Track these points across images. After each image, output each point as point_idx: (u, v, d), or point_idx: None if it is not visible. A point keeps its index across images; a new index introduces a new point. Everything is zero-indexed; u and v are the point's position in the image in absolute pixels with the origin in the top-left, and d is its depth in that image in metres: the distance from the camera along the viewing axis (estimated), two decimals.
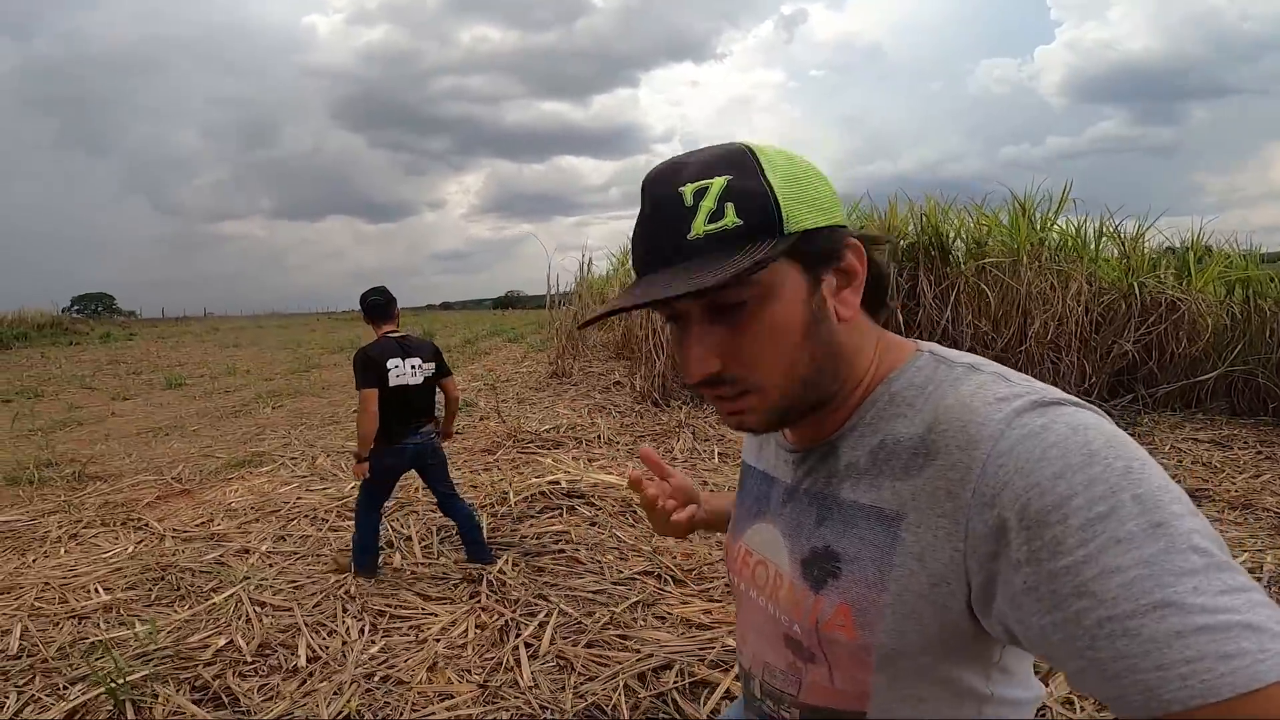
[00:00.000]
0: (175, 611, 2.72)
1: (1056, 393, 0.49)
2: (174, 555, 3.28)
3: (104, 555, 3.33)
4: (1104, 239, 6.98)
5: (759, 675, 0.66)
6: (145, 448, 5.92)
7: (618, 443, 5.41)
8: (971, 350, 6.40)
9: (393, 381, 2.93)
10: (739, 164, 0.53)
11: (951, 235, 6.72)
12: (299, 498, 4.23)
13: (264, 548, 3.38)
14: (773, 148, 0.55)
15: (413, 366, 2.99)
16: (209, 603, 2.77)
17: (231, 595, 2.82)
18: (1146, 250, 6.95)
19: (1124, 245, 6.89)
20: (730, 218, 0.51)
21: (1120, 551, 0.40)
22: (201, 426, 6.79)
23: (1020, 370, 0.56)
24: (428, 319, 30.61)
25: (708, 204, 0.51)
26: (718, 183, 0.52)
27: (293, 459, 5.33)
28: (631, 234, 0.57)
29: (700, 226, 0.51)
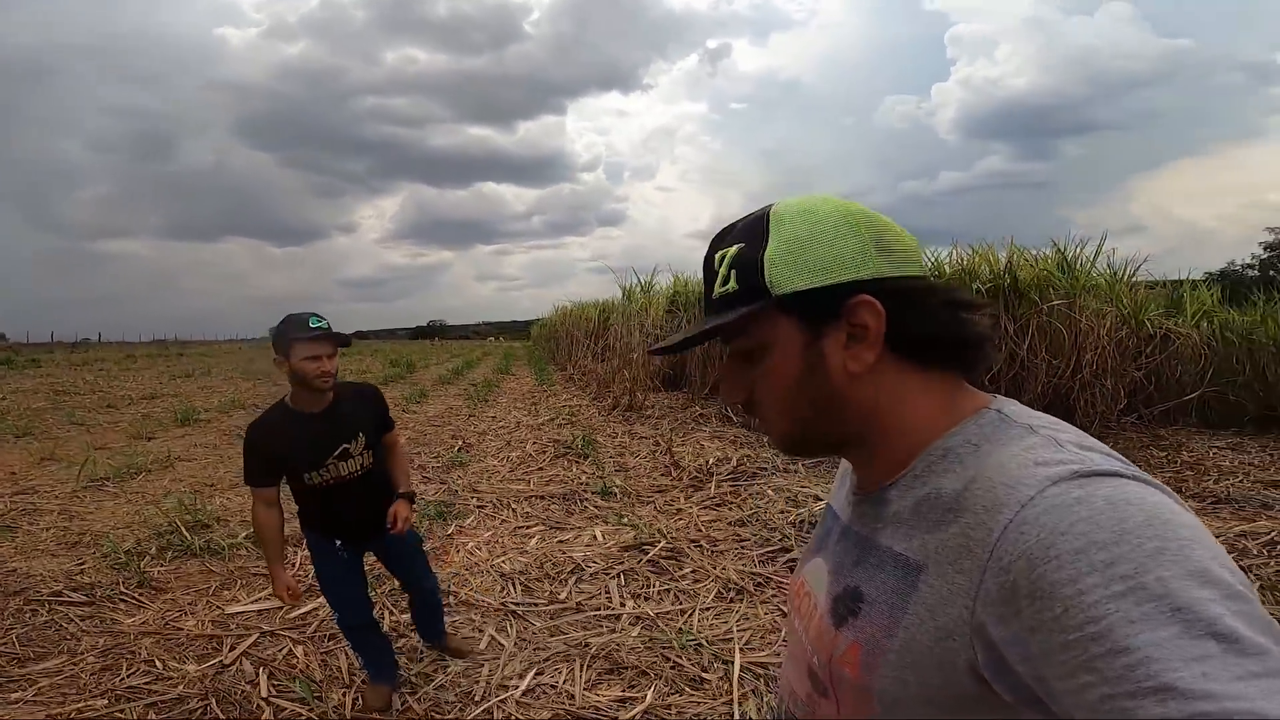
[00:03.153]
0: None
1: (1110, 463, 0.45)
2: (556, 647, 2.64)
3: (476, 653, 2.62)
4: (1120, 282, 7.70)
5: (786, 701, 0.65)
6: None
7: (796, 470, 5.14)
8: (1045, 387, 7.00)
9: None
10: (754, 232, 0.58)
11: (1027, 280, 7.11)
12: (566, 552, 3.61)
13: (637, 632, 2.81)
14: (801, 207, 0.58)
15: None
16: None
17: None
18: (1141, 288, 7.84)
19: (1122, 283, 7.66)
20: (731, 284, 0.58)
21: (1132, 632, 0.37)
22: None
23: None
24: (353, 348, 28.39)
25: (722, 270, 0.58)
26: (731, 251, 0.58)
27: (479, 507, 4.58)
28: None
29: (717, 289, 0.59)
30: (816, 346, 0.56)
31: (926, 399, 0.57)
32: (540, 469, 5.71)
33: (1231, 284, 9.06)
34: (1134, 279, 7.70)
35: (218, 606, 2.97)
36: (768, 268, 0.56)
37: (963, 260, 7.38)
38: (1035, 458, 0.47)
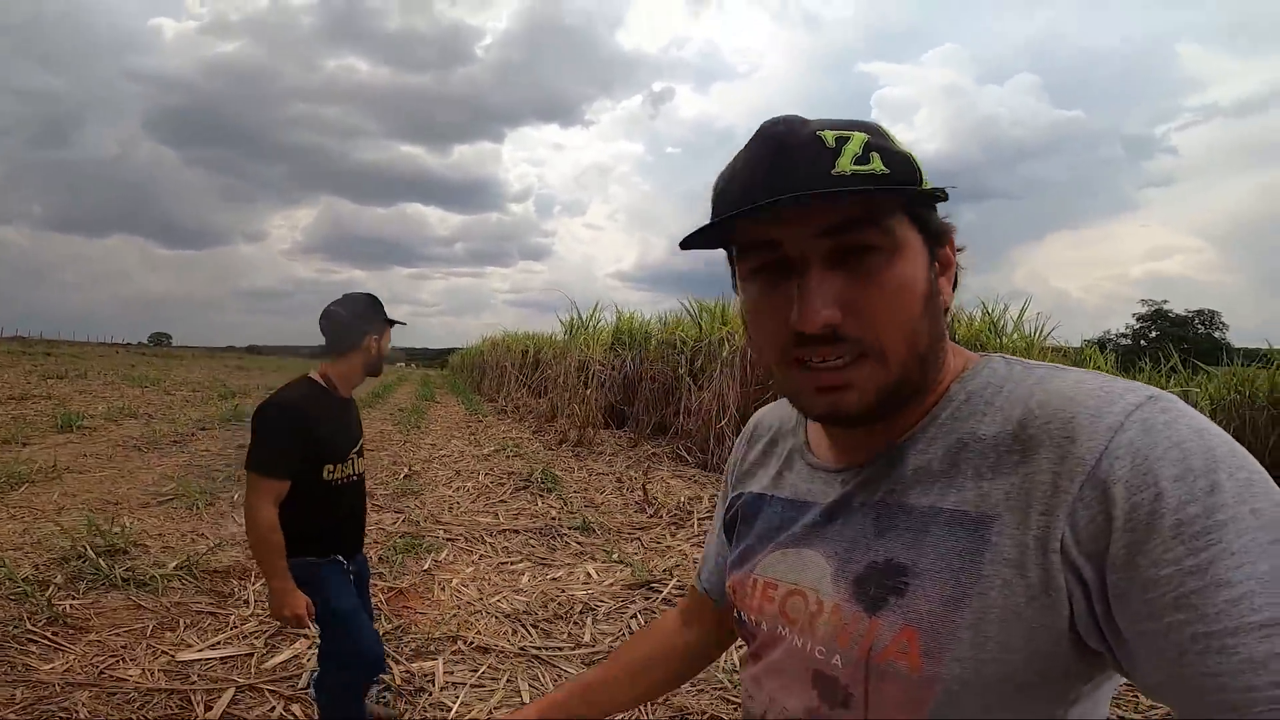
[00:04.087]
0: None
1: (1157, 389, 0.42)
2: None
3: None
4: (1035, 345, 8.34)
5: None
6: (199, 522, 4.12)
7: None
8: None
9: None
10: (872, 129, 0.47)
11: (964, 338, 7.51)
12: (565, 590, 3.24)
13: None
14: None
15: None
16: None
17: None
18: (1049, 351, 8.48)
19: (1036, 346, 8.29)
20: (877, 165, 0.44)
21: (1233, 565, 0.34)
22: (226, 487, 4.92)
23: None
24: (236, 360, 26.08)
25: (853, 148, 0.44)
26: (859, 135, 0.45)
27: (449, 540, 4.09)
28: (725, 180, 0.49)
29: (847, 164, 0.44)
30: (934, 268, 0.49)
31: (947, 343, 0.52)
32: (503, 501, 5.25)
33: (1111, 352, 9.98)
34: (1045, 343, 8.37)
35: (163, 652, 2.37)
36: (919, 165, 0.47)
37: None
38: (1100, 385, 0.42)
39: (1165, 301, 34.93)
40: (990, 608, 0.41)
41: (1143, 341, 29.93)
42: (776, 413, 0.66)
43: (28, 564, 3.08)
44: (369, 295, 1.82)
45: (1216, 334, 31.31)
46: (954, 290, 0.52)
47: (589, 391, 8.22)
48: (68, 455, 5.78)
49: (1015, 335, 7.91)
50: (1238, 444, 0.38)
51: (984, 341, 7.61)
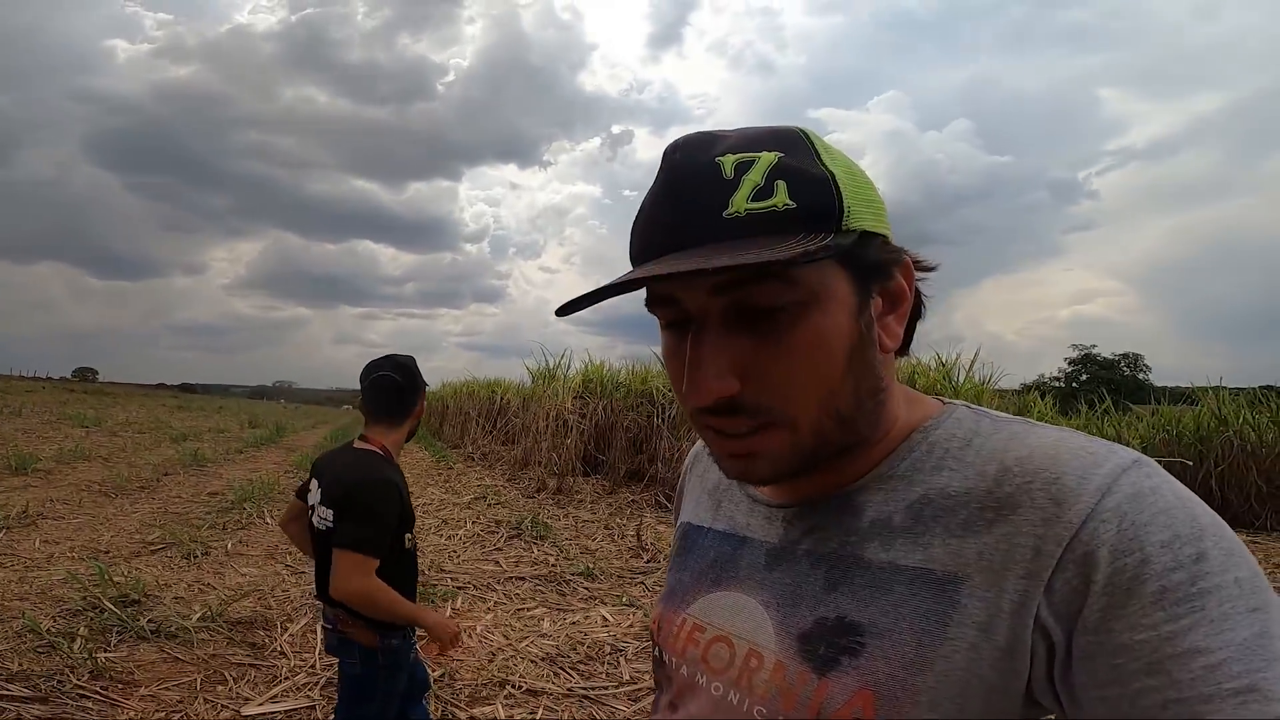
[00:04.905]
0: None
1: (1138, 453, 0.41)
2: None
3: None
4: (985, 391, 8.85)
5: None
6: (200, 571, 4.00)
7: None
8: None
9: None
10: (791, 143, 0.41)
11: (923, 387, 8.03)
12: (587, 633, 3.35)
13: None
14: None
15: (316, 500, 1.65)
16: None
17: None
18: (995, 396, 8.96)
19: (987, 391, 8.76)
20: (781, 197, 0.39)
21: (1212, 632, 0.33)
22: (215, 535, 4.78)
23: None
24: (173, 399, 24.68)
25: (753, 178, 0.39)
26: (766, 157, 0.40)
27: (459, 588, 4.11)
28: (637, 217, 0.44)
29: (742, 203, 0.39)
30: (867, 312, 0.43)
31: (899, 387, 0.48)
32: (498, 549, 5.27)
33: (1049, 396, 9.93)
34: (993, 388, 8.87)
35: (224, 705, 2.36)
36: (845, 190, 0.40)
37: None
38: (1082, 445, 0.40)
39: (1094, 346, 35.54)
40: (953, 670, 0.39)
41: (1074, 384, 30.36)
42: None
43: (42, 615, 2.97)
44: (412, 358, 1.76)
45: (1141, 376, 32.43)
46: (920, 319, 0.48)
47: (568, 440, 8.30)
48: (35, 500, 5.45)
49: (967, 384, 8.50)
50: (1215, 513, 0.38)
51: (940, 390, 8.13)
